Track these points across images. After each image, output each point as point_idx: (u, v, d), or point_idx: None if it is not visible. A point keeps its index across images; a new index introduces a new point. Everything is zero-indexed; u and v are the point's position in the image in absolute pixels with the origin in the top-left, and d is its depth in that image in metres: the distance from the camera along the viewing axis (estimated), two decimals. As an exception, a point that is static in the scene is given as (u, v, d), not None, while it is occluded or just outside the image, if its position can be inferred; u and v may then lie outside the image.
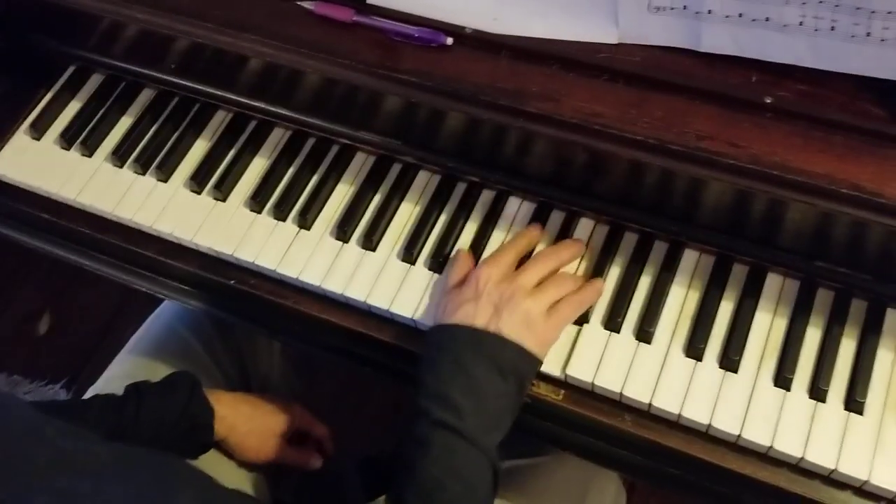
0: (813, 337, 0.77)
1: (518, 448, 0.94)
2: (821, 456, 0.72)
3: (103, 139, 0.99)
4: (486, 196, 0.89)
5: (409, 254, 0.86)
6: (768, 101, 0.69)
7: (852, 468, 0.71)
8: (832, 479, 0.72)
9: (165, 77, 0.98)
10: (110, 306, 1.82)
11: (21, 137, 1.01)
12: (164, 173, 0.95)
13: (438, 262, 0.86)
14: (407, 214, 0.89)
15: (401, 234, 0.88)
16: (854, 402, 0.73)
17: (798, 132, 0.68)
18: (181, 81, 0.98)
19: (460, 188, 0.90)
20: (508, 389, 0.74)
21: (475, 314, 0.76)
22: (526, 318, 0.76)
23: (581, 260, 0.84)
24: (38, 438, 0.57)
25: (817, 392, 0.74)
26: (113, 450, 0.62)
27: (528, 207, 0.88)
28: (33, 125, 1.00)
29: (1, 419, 0.57)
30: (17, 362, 1.79)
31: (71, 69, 1.05)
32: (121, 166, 0.97)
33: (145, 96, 1.01)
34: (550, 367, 0.79)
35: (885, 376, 0.74)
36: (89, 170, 0.97)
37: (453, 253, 0.86)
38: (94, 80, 1.04)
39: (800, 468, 0.73)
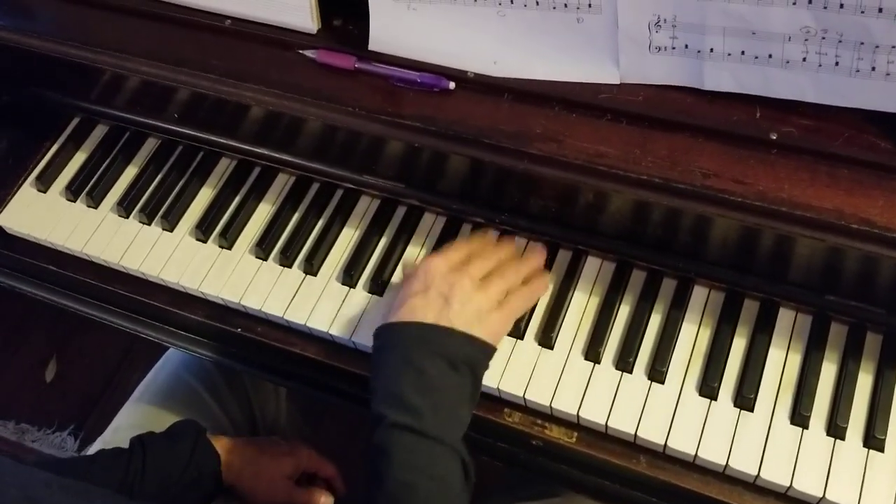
0: (828, 372, 0.76)
1: (531, 490, 0.93)
2: (841, 495, 0.70)
3: (109, 190, 0.99)
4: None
5: (416, 297, 0.86)
6: (773, 136, 0.69)
7: (874, 507, 0.69)
8: (854, 519, 0.71)
9: (169, 126, 0.99)
10: (117, 353, 1.81)
11: (28, 190, 1.01)
12: (170, 222, 0.95)
13: (446, 305, 0.85)
14: (413, 257, 0.89)
15: (407, 277, 0.88)
16: (874, 439, 0.72)
17: (805, 167, 0.68)
18: (185, 130, 0.98)
19: (466, 229, 0.89)
20: (462, 381, 0.72)
21: (425, 307, 0.75)
22: (476, 310, 0.75)
23: (590, 296, 0.84)
24: None
25: (835, 429, 0.73)
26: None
27: (533, 247, 0.87)
28: (39, 178, 1.01)
29: None
30: (25, 409, 1.78)
31: (75, 120, 1.05)
32: (126, 216, 0.97)
33: (149, 146, 1.02)
34: (564, 408, 0.77)
35: (905, 412, 0.73)
36: (95, 221, 0.97)
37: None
38: (99, 131, 1.05)
39: (820, 508, 0.72)
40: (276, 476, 0.97)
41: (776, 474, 0.72)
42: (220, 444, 0.91)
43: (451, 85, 0.77)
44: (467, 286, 0.76)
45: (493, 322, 0.76)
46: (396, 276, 0.88)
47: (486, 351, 0.75)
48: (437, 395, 0.71)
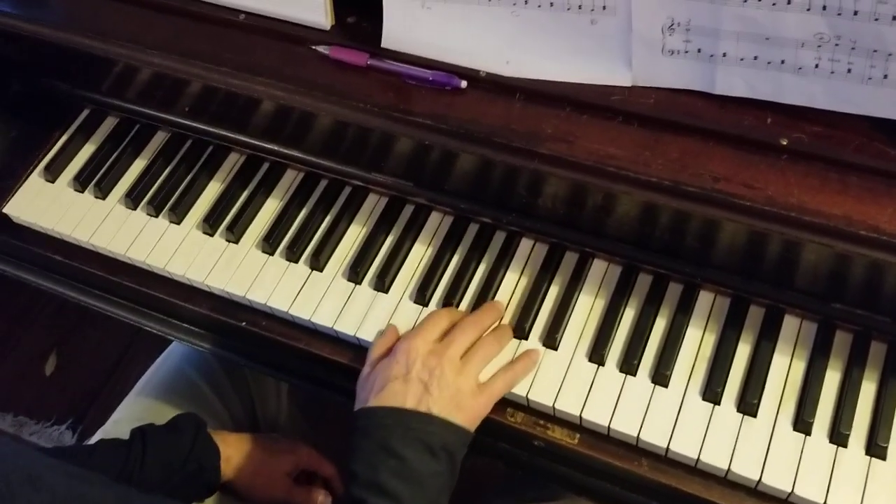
0: (832, 380, 0.76)
1: (531, 492, 0.93)
2: (843, 502, 0.70)
3: (117, 182, 1.00)
4: (499, 237, 0.89)
5: (421, 295, 0.86)
6: (784, 142, 0.69)
7: (876, 515, 0.69)
8: (856, 526, 0.71)
9: (179, 119, 0.99)
10: (117, 347, 1.81)
11: (35, 180, 1.02)
12: (177, 215, 0.95)
13: (451, 304, 0.85)
14: (419, 256, 0.89)
15: (413, 275, 0.88)
16: (876, 447, 0.72)
17: (815, 173, 0.68)
18: (194, 124, 0.98)
19: (473, 229, 0.90)
20: (441, 468, 0.73)
21: (405, 393, 0.75)
22: (456, 395, 0.75)
23: (595, 299, 0.84)
24: (38, 487, 0.56)
25: (838, 436, 0.73)
26: (118, 493, 0.61)
27: (540, 248, 0.87)
28: (48, 168, 1.01)
29: None
30: (23, 403, 1.77)
31: (85, 112, 1.06)
32: (134, 208, 0.97)
33: (159, 139, 1.02)
34: (566, 409, 0.77)
35: (908, 420, 0.73)
36: (103, 212, 0.97)
37: (468, 293, 0.86)
38: (109, 123, 1.05)
39: (822, 515, 0.72)
40: (275, 473, 0.97)
41: (778, 480, 0.72)
42: (221, 439, 0.91)
43: (463, 84, 0.77)
44: (447, 370, 0.76)
45: (472, 407, 0.76)
46: (402, 274, 0.88)
47: (464, 438, 0.75)
48: (417, 482, 0.71)
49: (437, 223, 0.91)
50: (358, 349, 0.86)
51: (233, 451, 0.92)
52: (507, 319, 0.84)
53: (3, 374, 1.81)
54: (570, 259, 0.86)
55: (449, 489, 0.74)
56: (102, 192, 0.98)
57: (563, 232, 0.86)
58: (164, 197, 0.96)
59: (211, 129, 0.98)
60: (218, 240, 0.93)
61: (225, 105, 0.94)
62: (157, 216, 0.96)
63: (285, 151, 0.94)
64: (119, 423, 1.03)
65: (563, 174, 0.75)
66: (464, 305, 0.86)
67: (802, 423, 0.74)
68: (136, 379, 1.09)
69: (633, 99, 0.74)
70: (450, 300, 0.85)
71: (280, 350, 0.90)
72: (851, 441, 0.73)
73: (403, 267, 0.89)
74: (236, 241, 0.93)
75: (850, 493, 0.71)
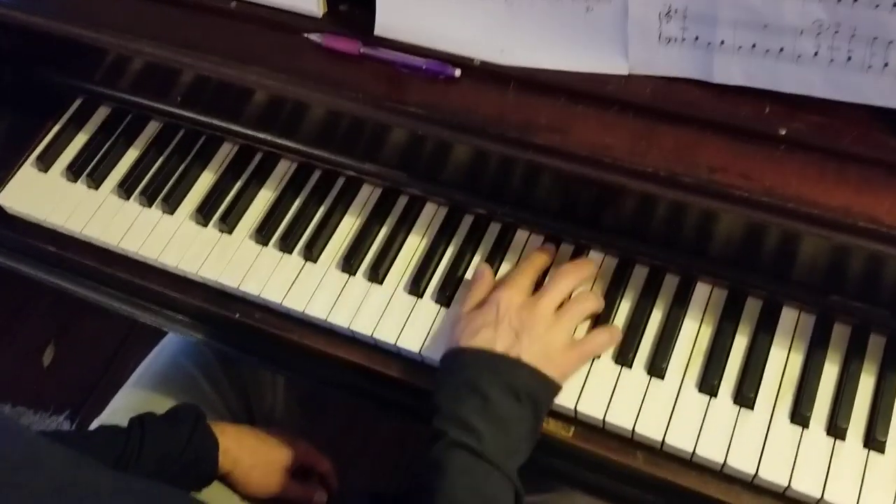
0: (830, 373, 0.75)
1: (525, 485, 0.92)
2: (840, 496, 0.69)
3: (109, 172, 0.99)
4: (494, 229, 0.88)
5: (416, 287, 0.85)
6: (782, 132, 0.68)
7: (873, 509, 0.68)
8: (852, 520, 0.70)
9: (171, 109, 0.98)
10: (115, 338, 1.81)
11: (28, 170, 1.01)
12: (170, 206, 0.94)
13: (446, 296, 0.84)
14: (413, 247, 0.88)
15: (407, 266, 0.87)
16: (874, 441, 0.71)
17: (813, 164, 0.67)
18: (187, 114, 0.97)
19: (467, 221, 0.89)
20: (525, 415, 0.72)
21: (495, 339, 0.74)
22: (547, 347, 0.75)
23: (591, 291, 0.83)
24: (38, 466, 0.55)
25: (836, 430, 0.72)
26: (114, 479, 0.61)
27: (536, 240, 0.87)
28: (40, 158, 1.00)
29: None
30: (21, 394, 1.77)
31: (78, 102, 1.05)
32: (127, 199, 0.96)
33: (151, 128, 1.01)
34: (561, 402, 0.77)
35: (907, 414, 0.72)
36: (95, 202, 0.96)
37: (463, 285, 0.85)
38: (101, 113, 1.04)
39: (819, 508, 0.71)
40: (272, 466, 0.96)
41: (774, 474, 0.71)
42: (220, 431, 0.90)
43: (457, 72, 0.76)
44: (539, 323, 0.76)
45: (563, 362, 0.76)
46: (396, 265, 0.87)
47: (551, 388, 0.74)
48: (500, 424, 0.71)
49: (431, 214, 0.90)
50: (351, 342, 0.86)
51: (231, 442, 0.91)
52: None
53: (1, 365, 1.81)
54: (565, 251, 0.85)
55: (531, 439, 0.73)
56: (95, 182, 0.98)
57: (558, 224, 0.85)
58: (156, 187, 0.95)
59: (203, 119, 0.97)
60: (211, 230, 0.92)
61: (217, 94, 0.93)
62: (149, 206, 0.95)
63: (278, 141, 0.94)
64: (115, 414, 1.03)
65: (558, 165, 0.74)
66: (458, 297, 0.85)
67: (800, 417, 0.73)
68: (134, 370, 1.09)
69: (629, 88, 0.73)
70: (445, 291, 0.84)
71: (274, 342, 0.89)
72: (849, 434, 0.72)
73: (398, 258, 0.88)
74: (229, 232, 0.92)
75: (847, 486, 0.70)
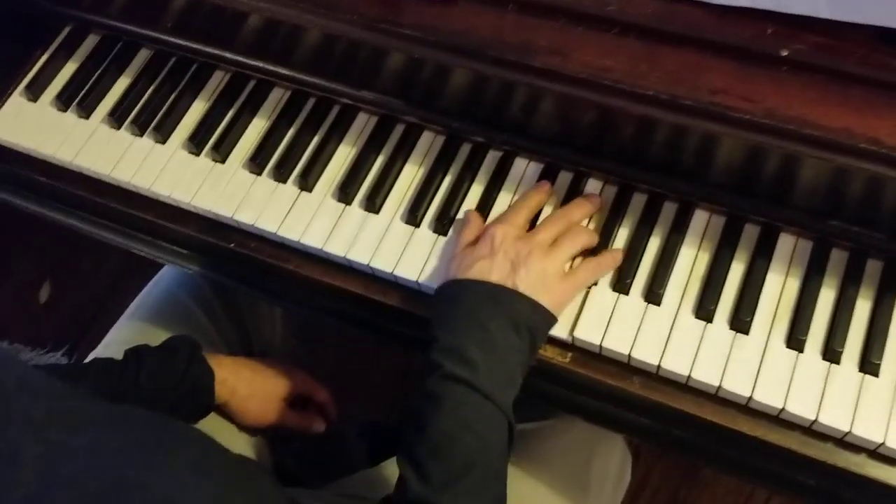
0: (826, 298, 0.75)
1: (524, 412, 0.93)
2: (835, 418, 0.70)
3: (100, 100, 0.97)
4: (492, 156, 0.87)
5: (413, 216, 0.85)
6: (784, 53, 0.67)
7: (867, 431, 0.69)
8: (846, 442, 0.71)
9: (162, 36, 0.96)
10: (111, 274, 1.81)
11: (17, 99, 0.99)
12: (162, 134, 0.93)
13: (443, 225, 0.84)
14: (411, 176, 0.87)
15: (404, 196, 0.86)
16: (869, 364, 0.72)
17: (815, 86, 0.66)
18: (178, 41, 0.95)
19: (465, 149, 0.88)
20: (522, 346, 0.72)
21: (491, 270, 0.74)
22: (542, 276, 0.74)
23: (590, 221, 0.82)
24: (33, 394, 0.55)
25: (831, 354, 0.73)
26: (111, 408, 0.61)
27: (534, 168, 0.86)
28: (29, 87, 0.98)
29: None
30: (18, 331, 1.78)
31: (67, 29, 1.02)
32: (118, 128, 0.95)
33: (142, 56, 0.99)
34: (558, 329, 0.77)
35: (902, 338, 0.73)
36: (86, 131, 0.95)
37: (460, 214, 0.84)
38: (91, 41, 1.02)
39: (812, 431, 0.72)
40: (270, 397, 0.97)
41: (769, 396, 0.72)
42: (216, 362, 0.91)
43: (454, -7, 0.74)
44: (535, 253, 0.75)
45: (558, 291, 0.75)
46: (393, 195, 0.87)
47: (548, 319, 0.75)
48: (497, 355, 0.71)
49: (428, 143, 0.89)
50: (348, 271, 0.85)
51: (228, 373, 0.92)
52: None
53: (-3, 303, 1.82)
54: (564, 179, 0.85)
55: (524, 371, 0.73)
56: (86, 111, 0.96)
57: (557, 151, 0.84)
58: (148, 115, 0.94)
59: (195, 46, 0.95)
60: (204, 160, 0.91)
61: (208, 20, 0.91)
62: (141, 135, 0.94)
63: (272, 69, 0.92)
64: (110, 346, 1.03)
65: (557, 88, 0.73)
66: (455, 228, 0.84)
67: (795, 341, 0.73)
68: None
69: (630, 9, 0.71)
70: (442, 221, 0.84)
71: (270, 272, 0.89)
72: (844, 358, 0.73)
73: (394, 187, 0.87)
74: (223, 161, 0.91)
75: (842, 409, 0.71)
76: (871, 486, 0.71)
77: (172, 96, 0.95)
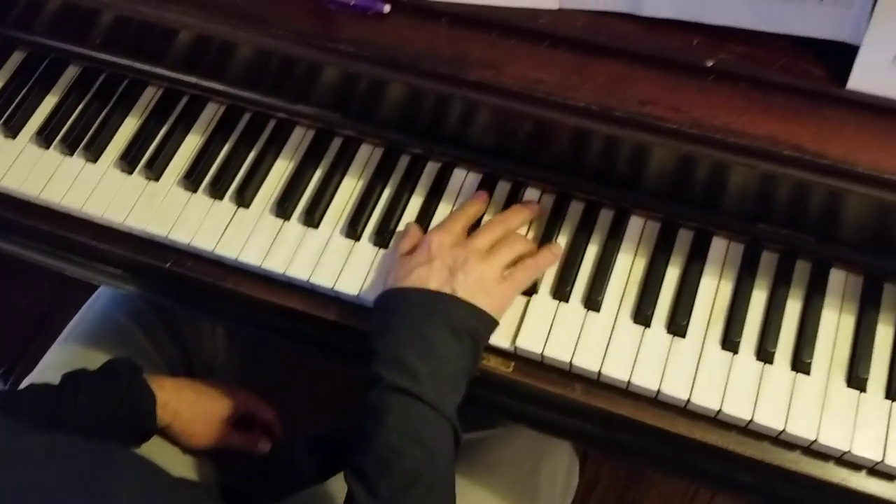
0: (759, 299, 0.77)
1: (469, 421, 0.93)
2: (769, 417, 0.72)
3: (27, 119, 0.95)
4: (431, 168, 0.87)
5: (352, 230, 0.84)
6: (709, 64, 0.69)
7: (801, 428, 0.71)
8: (781, 440, 0.73)
9: (91, 53, 0.94)
10: (47, 295, 1.76)
11: (-64, 120, 0.96)
12: (93, 153, 0.91)
13: (383, 238, 0.84)
14: (349, 189, 0.87)
15: (344, 209, 0.86)
16: (801, 363, 0.74)
17: (739, 94, 0.68)
18: (108, 57, 0.94)
19: (404, 161, 0.88)
20: (464, 351, 0.72)
21: (429, 277, 0.74)
22: (480, 280, 0.75)
23: (529, 229, 0.83)
24: None
25: (764, 354, 0.74)
26: (47, 440, 0.59)
27: (473, 179, 0.86)
28: (-50, 107, 0.95)
29: None
30: (-47, 353, 1.72)
31: (-11, 47, 0.99)
32: (47, 147, 0.92)
33: (70, 73, 0.97)
34: (500, 338, 0.78)
35: (831, 336, 0.75)
36: (13, 152, 0.92)
37: (400, 226, 0.84)
38: (16, 58, 0.99)
39: (749, 430, 0.73)
40: (214, 418, 0.95)
41: (707, 398, 0.73)
42: (158, 384, 0.89)
43: (387, 8, 0.74)
44: (472, 258, 0.75)
45: (498, 294, 0.75)
46: (332, 209, 0.86)
47: (488, 323, 0.75)
48: (438, 363, 0.70)
49: (367, 155, 0.89)
50: (288, 287, 0.85)
51: (169, 395, 0.90)
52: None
53: (-72, 327, 1.75)
54: (502, 189, 0.85)
55: (468, 376, 0.73)
56: (12, 130, 0.93)
57: (495, 161, 0.85)
58: (78, 134, 0.92)
59: (125, 62, 0.93)
60: (137, 178, 0.90)
61: (138, 35, 0.89)
62: (71, 155, 0.91)
63: (205, 84, 0.91)
64: (46, 370, 1.01)
65: (491, 101, 0.73)
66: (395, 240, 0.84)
67: (730, 343, 0.75)
68: (69, 326, 1.06)
69: (561, 22, 0.73)
70: (383, 233, 0.84)
71: (208, 291, 0.87)
72: (777, 358, 0.75)
73: (333, 201, 0.87)
74: (156, 179, 0.89)
75: (776, 408, 0.72)
76: (806, 482, 0.73)
77: (103, 114, 0.93)
